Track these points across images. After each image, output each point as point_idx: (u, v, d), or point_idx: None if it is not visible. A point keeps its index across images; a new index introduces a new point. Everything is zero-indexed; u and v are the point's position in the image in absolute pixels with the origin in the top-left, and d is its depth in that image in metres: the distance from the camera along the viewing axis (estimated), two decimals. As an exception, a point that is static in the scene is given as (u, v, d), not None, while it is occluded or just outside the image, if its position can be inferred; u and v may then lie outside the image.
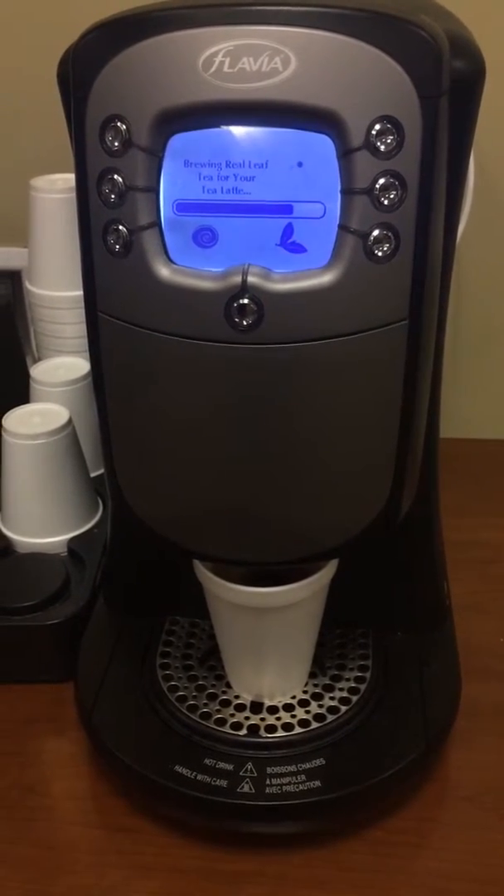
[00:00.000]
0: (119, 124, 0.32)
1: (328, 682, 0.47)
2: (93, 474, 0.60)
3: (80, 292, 0.37)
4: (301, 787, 0.41)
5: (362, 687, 0.47)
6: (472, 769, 0.47)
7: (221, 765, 0.42)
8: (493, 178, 0.68)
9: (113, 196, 0.33)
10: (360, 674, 0.48)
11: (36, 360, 0.66)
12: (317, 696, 0.47)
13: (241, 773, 0.42)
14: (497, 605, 0.58)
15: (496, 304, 0.74)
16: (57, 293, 0.64)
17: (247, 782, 0.41)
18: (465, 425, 0.76)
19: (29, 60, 0.70)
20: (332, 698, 0.46)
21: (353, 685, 0.47)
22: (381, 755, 0.43)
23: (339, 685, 0.47)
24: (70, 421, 0.57)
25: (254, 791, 0.41)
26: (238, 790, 0.41)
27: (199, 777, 0.42)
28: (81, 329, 0.67)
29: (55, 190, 0.62)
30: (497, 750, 0.48)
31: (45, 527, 0.57)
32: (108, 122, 0.32)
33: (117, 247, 0.34)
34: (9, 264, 0.75)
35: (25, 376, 0.63)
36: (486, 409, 0.78)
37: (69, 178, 0.63)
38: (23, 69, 0.70)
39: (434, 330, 0.37)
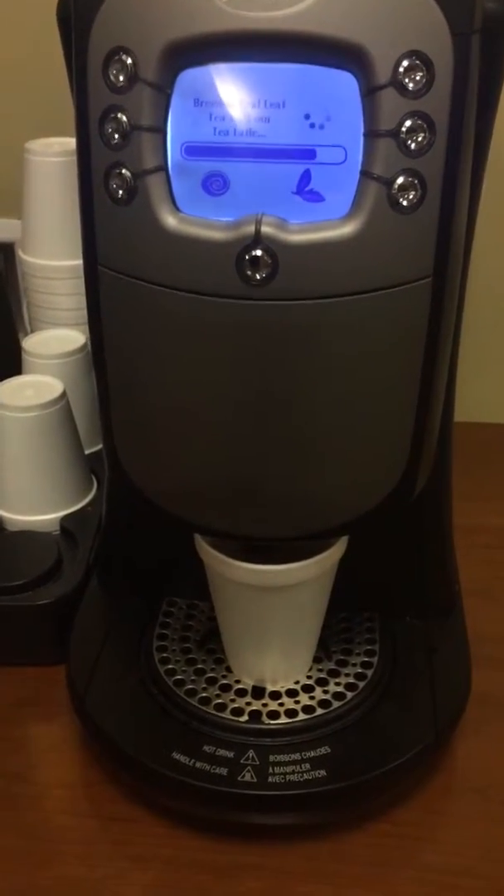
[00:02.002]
0: (124, 57, 0.30)
1: (333, 666, 0.45)
2: (87, 451, 0.58)
3: (76, 262, 0.34)
4: (305, 777, 0.39)
5: (369, 673, 0.45)
6: (482, 760, 0.45)
7: (221, 752, 0.40)
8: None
9: (116, 136, 0.30)
10: (366, 659, 0.46)
11: (28, 335, 0.64)
12: (322, 682, 0.44)
13: (242, 761, 0.40)
14: (505, 592, 0.57)
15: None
16: (52, 262, 0.61)
17: (248, 771, 0.39)
18: (472, 409, 0.74)
19: (20, 27, 0.67)
20: (337, 684, 0.44)
21: (359, 671, 0.45)
22: (388, 744, 0.41)
23: (346, 670, 0.45)
24: (64, 393, 0.54)
25: (255, 780, 0.39)
26: (239, 779, 0.39)
27: (198, 765, 0.40)
28: (76, 301, 0.64)
29: (51, 153, 0.59)
30: (507, 741, 0.46)
31: (37, 504, 0.54)
32: (112, 55, 0.30)
33: (120, 192, 0.31)
34: (1, 237, 0.73)
35: (16, 351, 0.61)
36: (495, 393, 0.76)
37: (65, 142, 0.61)
38: (14, 36, 0.68)
39: (457, 291, 0.35)
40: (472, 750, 0.45)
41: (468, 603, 0.50)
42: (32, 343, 0.60)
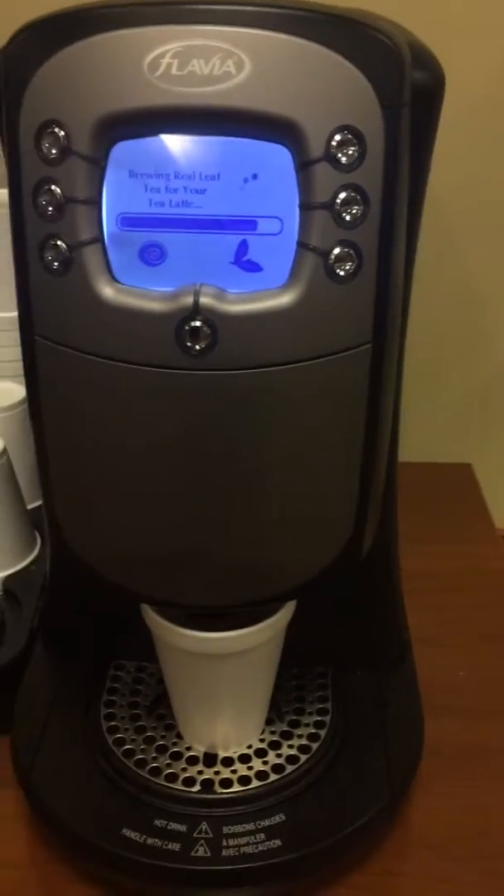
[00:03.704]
0: (56, 130, 0.29)
1: (286, 728, 0.44)
2: (30, 506, 0.57)
3: (16, 313, 0.34)
4: (260, 848, 0.38)
5: (322, 733, 0.44)
6: (437, 815, 0.44)
7: (173, 826, 0.39)
8: (438, 198, 0.67)
9: (51, 209, 0.30)
10: (319, 718, 0.45)
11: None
12: (274, 745, 0.44)
13: (195, 835, 0.39)
14: (453, 637, 0.57)
15: (447, 326, 0.73)
16: (-9, 314, 0.60)
17: (201, 845, 0.38)
18: (413, 449, 0.74)
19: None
20: (290, 746, 0.43)
21: (312, 731, 0.44)
22: (344, 808, 0.40)
23: (298, 731, 0.44)
24: (5, 450, 0.53)
25: (209, 854, 0.38)
26: (192, 854, 0.38)
27: (150, 841, 0.38)
28: (17, 352, 0.63)
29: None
30: (461, 793, 0.45)
31: (-22, 565, 0.53)
32: (44, 127, 0.30)
33: (56, 264, 0.31)
34: None
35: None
36: (435, 433, 0.77)
37: (3, 193, 0.60)
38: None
39: (396, 354, 0.35)
40: (426, 805, 0.45)
41: (418, 650, 0.50)
42: (-29, 397, 0.59)
